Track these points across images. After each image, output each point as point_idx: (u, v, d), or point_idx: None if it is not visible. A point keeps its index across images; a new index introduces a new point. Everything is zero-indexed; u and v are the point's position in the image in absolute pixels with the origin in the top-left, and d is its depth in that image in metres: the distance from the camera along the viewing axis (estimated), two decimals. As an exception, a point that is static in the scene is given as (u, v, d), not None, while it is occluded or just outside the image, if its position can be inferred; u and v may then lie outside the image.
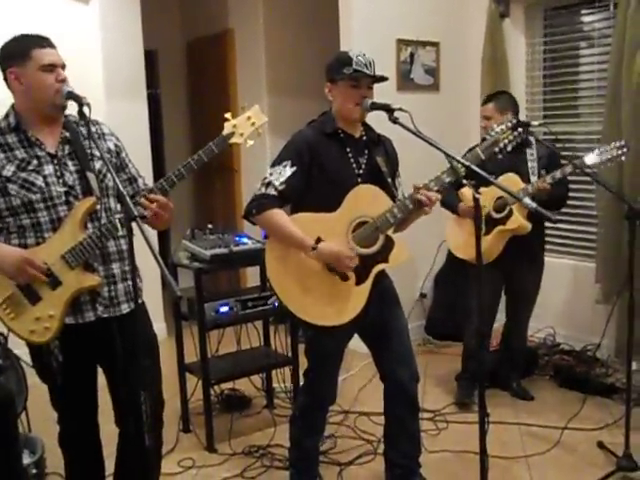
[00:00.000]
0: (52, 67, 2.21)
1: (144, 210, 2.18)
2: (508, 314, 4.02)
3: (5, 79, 2.26)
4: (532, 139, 3.68)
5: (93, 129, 2.38)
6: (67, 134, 2.32)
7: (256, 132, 2.35)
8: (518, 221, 3.61)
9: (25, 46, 2.22)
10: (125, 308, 2.38)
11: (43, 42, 2.23)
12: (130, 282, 2.39)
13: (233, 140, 2.32)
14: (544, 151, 3.66)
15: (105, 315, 2.33)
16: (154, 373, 2.47)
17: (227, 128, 2.33)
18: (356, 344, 2.90)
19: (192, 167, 2.25)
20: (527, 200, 2.24)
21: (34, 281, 2.20)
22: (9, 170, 2.21)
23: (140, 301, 2.42)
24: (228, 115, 2.35)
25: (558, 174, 3.47)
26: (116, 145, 2.45)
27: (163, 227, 2.39)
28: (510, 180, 3.51)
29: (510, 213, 3.61)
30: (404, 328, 2.78)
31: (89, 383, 2.46)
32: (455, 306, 4.64)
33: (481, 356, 2.93)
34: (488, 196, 3.55)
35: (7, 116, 2.29)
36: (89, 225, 2.27)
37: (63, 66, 2.26)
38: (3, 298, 2.23)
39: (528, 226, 3.61)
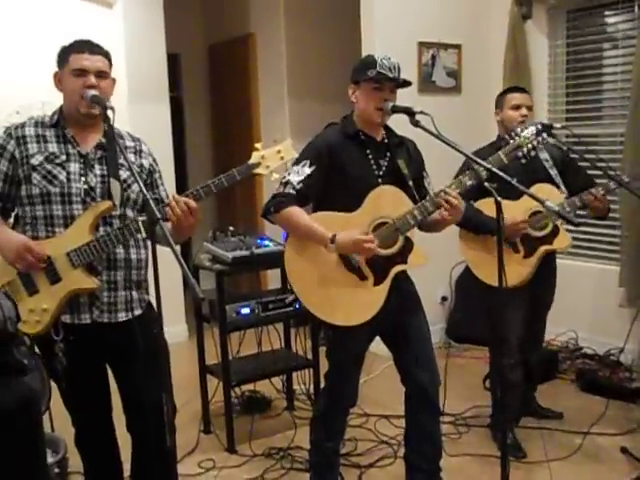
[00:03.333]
0: (82, 72, 2.24)
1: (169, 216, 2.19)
2: (527, 323, 3.38)
3: (54, 80, 2.34)
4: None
5: (132, 144, 2.44)
6: (104, 141, 2.35)
7: (284, 166, 2.34)
8: (567, 239, 3.24)
9: (68, 50, 2.29)
10: (122, 316, 2.38)
11: (84, 47, 2.28)
12: (134, 292, 2.41)
13: (258, 171, 2.28)
14: (557, 154, 3.38)
15: (100, 320, 2.34)
16: (166, 378, 2.48)
17: (254, 157, 2.29)
18: (377, 347, 2.90)
19: (211, 190, 2.24)
20: (549, 203, 2.21)
21: (32, 269, 2.23)
22: (37, 159, 2.26)
23: (139, 312, 2.43)
24: (259, 145, 2.31)
25: (612, 184, 3.17)
26: (151, 165, 2.48)
27: (186, 234, 2.35)
28: (545, 190, 3.11)
29: (556, 230, 3.22)
30: (426, 331, 2.77)
31: (98, 385, 2.48)
32: (476, 310, 4.61)
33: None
34: (519, 210, 3.17)
35: (53, 114, 2.36)
36: (101, 229, 2.30)
37: (99, 73, 2.27)
38: (2, 283, 2.27)
39: (571, 242, 3.33)
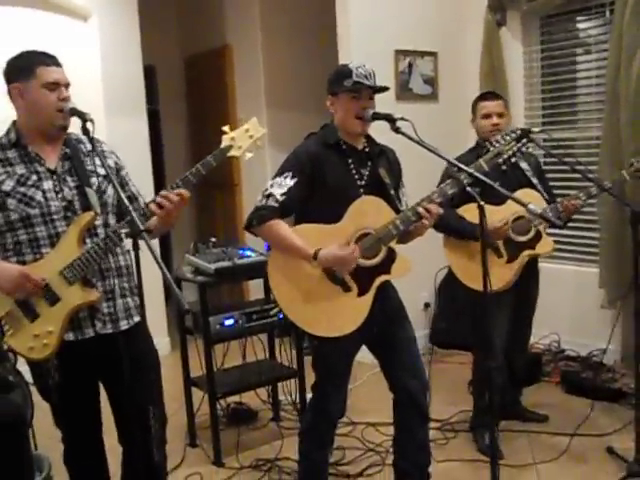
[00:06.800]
0: (55, 85, 2.22)
1: (155, 212, 2.19)
2: (511, 327, 3.45)
3: (9, 94, 2.27)
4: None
5: None
6: (67, 150, 2.33)
7: (254, 144, 2.33)
8: (550, 244, 3.27)
9: (31, 63, 2.23)
10: (124, 324, 2.37)
11: (49, 60, 2.25)
12: (129, 299, 2.40)
13: (231, 153, 2.30)
14: (533, 164, 3.42)
15: (103, 332, 2.32)
16: (158, 389, 2.47)
17: (225, 141, 2.31)
18: (361, 354, 2.88)
19: (190, 181, 2.25)
20: (532, 206, 2.22)
21: (31, 296, 2.20)
22: (8, 185, 2.22)
23: (138, 319, 2.42)
24: (226, 128, 2.33)
25: (594, 190, 3.21)
26: (116, 163, 2.46)
27: (171, 224, 2.39)
28: (529, 195, 3.15)
29: (538, 235, 3.25)
30: (412, 339, 2.77)
31: (91, 401, 2.45)
32: (459, 315, 4.63)
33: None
34: (502, 215, 3.19)
35: (8, 132, 2.30)
36: (87, 240, 2.27)
37: (67, 85, 2.27)
38: (1, 315, 2.23)
39: (554, 247, 3.35)
